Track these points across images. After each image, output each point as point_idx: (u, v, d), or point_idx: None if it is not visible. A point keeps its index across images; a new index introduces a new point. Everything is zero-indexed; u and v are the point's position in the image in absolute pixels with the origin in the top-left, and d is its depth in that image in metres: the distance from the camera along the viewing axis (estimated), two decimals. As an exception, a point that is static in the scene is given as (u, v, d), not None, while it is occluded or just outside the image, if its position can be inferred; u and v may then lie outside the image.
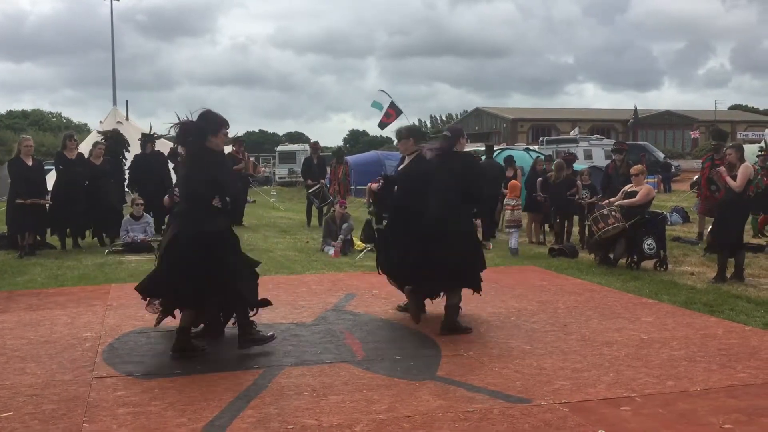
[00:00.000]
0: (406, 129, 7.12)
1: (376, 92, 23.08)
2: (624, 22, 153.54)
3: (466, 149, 28.30)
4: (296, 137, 70.07)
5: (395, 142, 7.24)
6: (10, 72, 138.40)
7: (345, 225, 11.33)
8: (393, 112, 23.83)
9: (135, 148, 13.88)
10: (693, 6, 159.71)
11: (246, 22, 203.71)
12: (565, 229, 12.27)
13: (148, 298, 5.83)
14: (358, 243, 11.41)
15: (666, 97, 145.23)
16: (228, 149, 15.56)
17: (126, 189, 13.06)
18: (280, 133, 79.83)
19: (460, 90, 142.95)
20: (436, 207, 6.18)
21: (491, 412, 4.22)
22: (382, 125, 23.89)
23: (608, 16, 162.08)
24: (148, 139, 13.26)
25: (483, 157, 13.46)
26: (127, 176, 13.11)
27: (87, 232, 12.13)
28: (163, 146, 13.92)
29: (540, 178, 12.77)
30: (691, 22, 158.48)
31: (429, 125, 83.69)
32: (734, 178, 8.45)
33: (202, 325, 5.84)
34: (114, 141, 13.02)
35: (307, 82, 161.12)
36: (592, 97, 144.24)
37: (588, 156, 30.13)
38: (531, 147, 27.07)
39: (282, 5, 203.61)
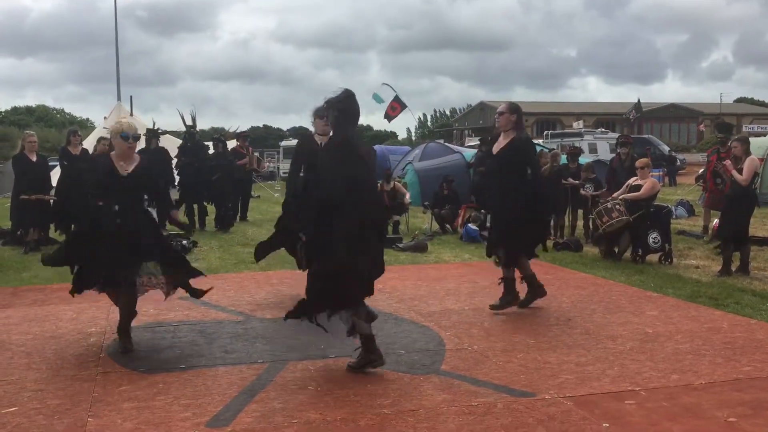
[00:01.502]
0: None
1: (380, 86, 23.12)
2: (625, 15, 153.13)
3: (472, 143, 28.22)
4: (301, 132, 70.01)
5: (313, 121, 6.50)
6: (12, 68, 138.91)
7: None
8: (398, 105, 23.65)
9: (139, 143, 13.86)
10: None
11: (246, 16, 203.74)
12: (561, 223, 12.25)
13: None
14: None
15: (669, 90, 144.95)
16: (232, 144, 15.58)
17: None
18: (284, 128, 79.87)
19: (463, 84, 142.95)
20: None
21: (495, 406, 4.22)
22: (389, 117, 23.72)
23: (609, 9, 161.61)
24: (152, 134, 13.27)
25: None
26: None
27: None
28: (166, 142, 13.93)
29: None
30: (693, 15, 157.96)
31: (435, 120, 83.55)
32: (740, 171, 8.41)
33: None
34: None
35: (308, 77, 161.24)
36: (594, 90, 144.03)
37: (593, 150, 30.11)
38: (535, 141, 27.01)
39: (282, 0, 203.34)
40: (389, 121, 23.58)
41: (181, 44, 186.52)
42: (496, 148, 6.61)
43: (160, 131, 13.25)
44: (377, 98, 23.69)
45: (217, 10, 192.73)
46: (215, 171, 13.42)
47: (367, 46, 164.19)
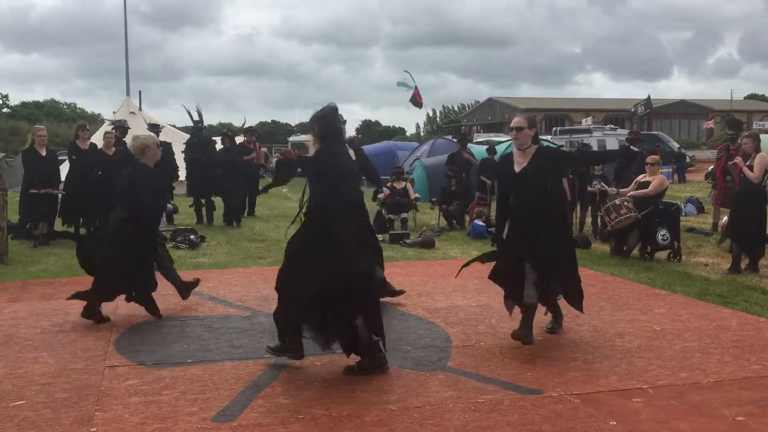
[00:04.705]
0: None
1: (402, 73, 23.15)
2: (627, 11, 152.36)
3: (481, 139, 27.96)
4: (309, 128, 69.99)
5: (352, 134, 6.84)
6: (18, 63, 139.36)
7: (357, 215, 11.29)
8: (417, 92, 23.39)
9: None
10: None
11: (249, 11, 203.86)
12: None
13: None
14: (369, 233, 11.38)
15: (676, 87, 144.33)
16: (239, 140, 15.58)
17: None
18: (292, 124, 79.88)
19: (468, 80, 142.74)
20: None
21: (502, 403, 4.21)
22: (418, 104, 23.40)
23: (612, 5, 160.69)
24: (155, 129, 13.29)
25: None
26: None
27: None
28: (169, 137, 13.95)
29: None
30: (695, 12, 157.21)
31: (444, 116, 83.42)
32: (750, 168, 8.35)
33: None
34: (122, 131, 13.05)
35: (314, 72, 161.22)
36: (601, 86, 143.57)
37: (602, 146, 29.93)
38: (544, 137, 26.91)
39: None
40: (420, 108, 23.36)
41: (185, 39, 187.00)
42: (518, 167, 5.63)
43: (161, 126, 13.29)
44: (403, 85, 23.45)
45: (221, 4, 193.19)
46: (218, 166, 13.44)
47: (370, 41, 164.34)
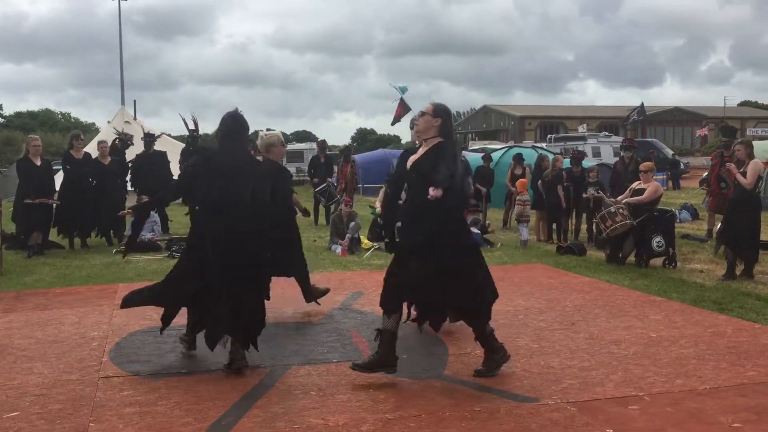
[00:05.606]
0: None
1: (400, 80, 22.95)
2: (619, 19, 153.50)
3: (476, 146, 27.94)
4: (304, 136, 70.20)
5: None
6: (12, 72, 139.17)
7: (352, 224, 11.32)
8: (400, 108, 23.47)
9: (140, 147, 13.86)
10: (686, 3, 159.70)
11: (242, 21, 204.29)
12: (564, 227, 12.26)
13: None
14: (365, 242, 11.40)
15: (669, 94, 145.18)
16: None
17: (131, 188, 13.02)
18: (288, 132, 79.95)
19: (461, 88, 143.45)
20: None
21: (498, 411, 4.20)
22: (394, 121, 23.51)
23: (603, 14, 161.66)
24: (150, 138, 13.29)
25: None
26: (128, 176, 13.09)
27: (93, 232, 12.11)
28: (164, 146, 13.94)
29: (539, 180, 12.76)
30: (686, 20, 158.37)
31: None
32: (744, 174, 8.38)
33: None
34: (123, 144, 13.02)
35: (308, 81, 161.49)
36: (593, 94, 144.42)
37: (596, 153, 30.07)
38: (538, 145, 27.03)
39: (278, 4, 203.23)
40: (393, 124, 23.40)
41: (179, 49, 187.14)
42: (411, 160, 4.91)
43: (157, 135, 13.28)
44: (402, 90, 23.46)
45: (214, 13, 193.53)
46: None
47: (363, 50, 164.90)
